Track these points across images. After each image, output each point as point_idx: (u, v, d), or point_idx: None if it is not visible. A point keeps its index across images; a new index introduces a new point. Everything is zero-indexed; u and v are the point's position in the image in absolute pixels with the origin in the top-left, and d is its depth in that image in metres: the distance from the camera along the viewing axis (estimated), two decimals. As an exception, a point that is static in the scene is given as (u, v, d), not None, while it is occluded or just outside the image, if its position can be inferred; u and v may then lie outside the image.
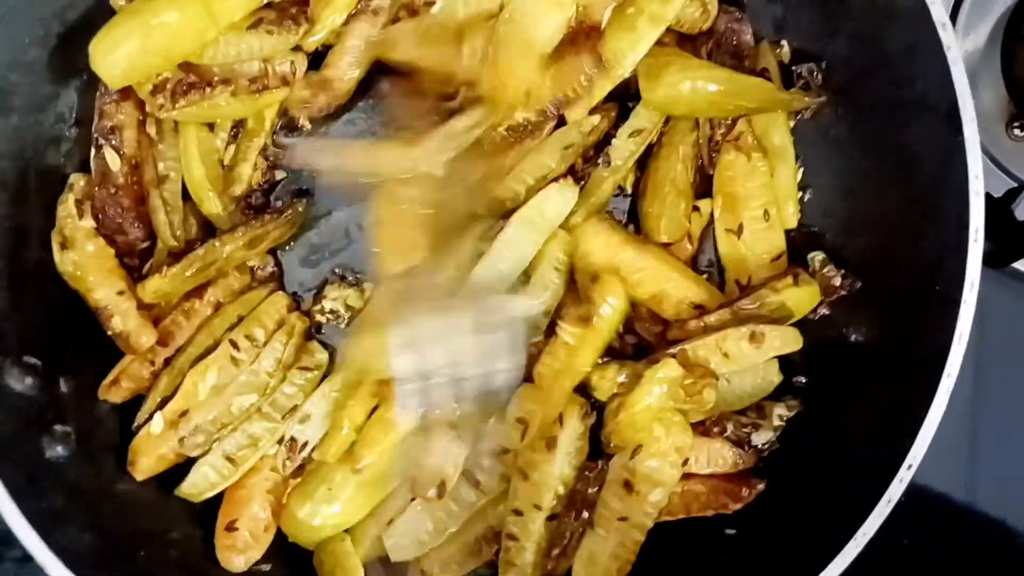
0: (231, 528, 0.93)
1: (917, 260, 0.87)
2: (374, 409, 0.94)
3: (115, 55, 0.89)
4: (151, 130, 0.96)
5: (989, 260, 1.07)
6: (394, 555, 0.93)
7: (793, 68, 1.00)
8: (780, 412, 0.96)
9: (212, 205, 0.98)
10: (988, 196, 1.07)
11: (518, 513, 0.91)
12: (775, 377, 0.97)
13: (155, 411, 0.94)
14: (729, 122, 0.99)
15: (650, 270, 0.97)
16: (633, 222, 1.04)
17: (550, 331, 0.96)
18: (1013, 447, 1.11)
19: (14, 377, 0.86)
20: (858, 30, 0.93)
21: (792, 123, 1.01)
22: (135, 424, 0.95)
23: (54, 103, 0.94)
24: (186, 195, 0.99)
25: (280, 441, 0.95)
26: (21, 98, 0.90)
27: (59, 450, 0.87)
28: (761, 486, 0.92)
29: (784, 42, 1.01)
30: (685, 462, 0.91)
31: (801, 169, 1.02)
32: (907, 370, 0.86)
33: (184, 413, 0.93)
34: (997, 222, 1.06)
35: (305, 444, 0.95)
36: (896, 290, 0.91)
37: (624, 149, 0.99)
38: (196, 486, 0.94)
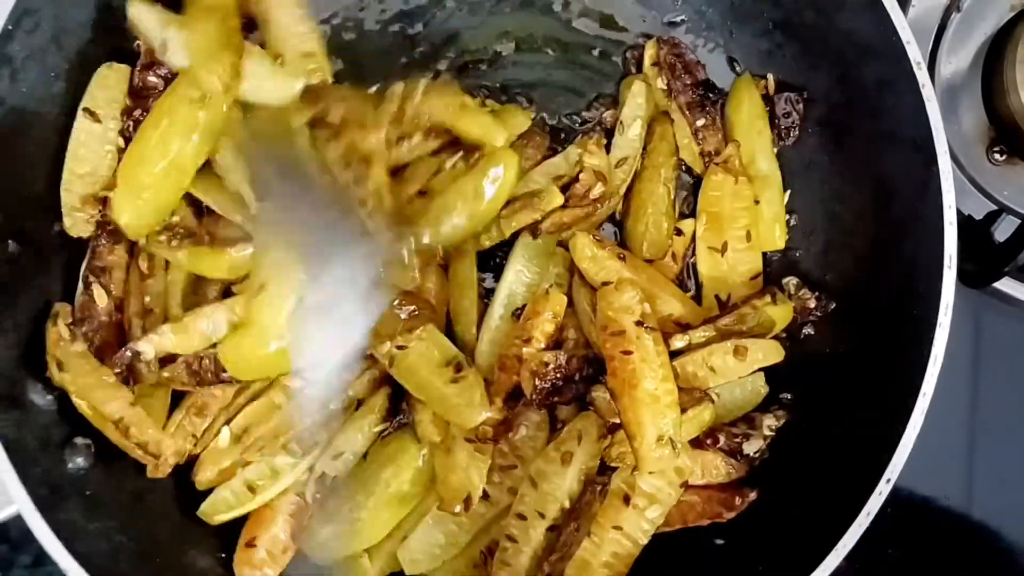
0: (251, 544, 0.95)
1: (895, 283, 0.92)
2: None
3: (131, 213, 0.93)
4: (143, 264, 0.97)
5: (970, 280, 1.11)
6: (409, 569, 0.95)
7: (775, 97, 1.04)
8: (769, 423, 0.99)
9: None
10: (969, 218, 1.12)
11: (522, 517, 0.93)
12: (762, 388, 1.01)
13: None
14: (717, 145, 1.04)
15: (640, 283, 0.98)
16: (622, 245, 1.07)
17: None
18: (1008, 458, 1.14)
19: (37, 393, 0.90)
20: (839, 66, 0.97)
21: (776, 150, 1.06)
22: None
23: (75, 132, 0.97)
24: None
25: (310, 470, 0.97)
26: (46, 129, 0.93)
27: (80, 461, 0.90)
28: (753, 495, 0.95)
29: (769, 75, 1.05)
30: (684, 484, 0.93)
31: (787, 193, 1.06)
32: (886, 388, 0.90)
33: (247, 429, 0.97)
34: (977, 243, 1.10)
35: (335, 478, 0.96)
36: (876, 312, 0.95)
37: (615, 178, 1.03)
38: (215, 508, 0.96)
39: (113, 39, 0.96)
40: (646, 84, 1.06)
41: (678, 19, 1.09)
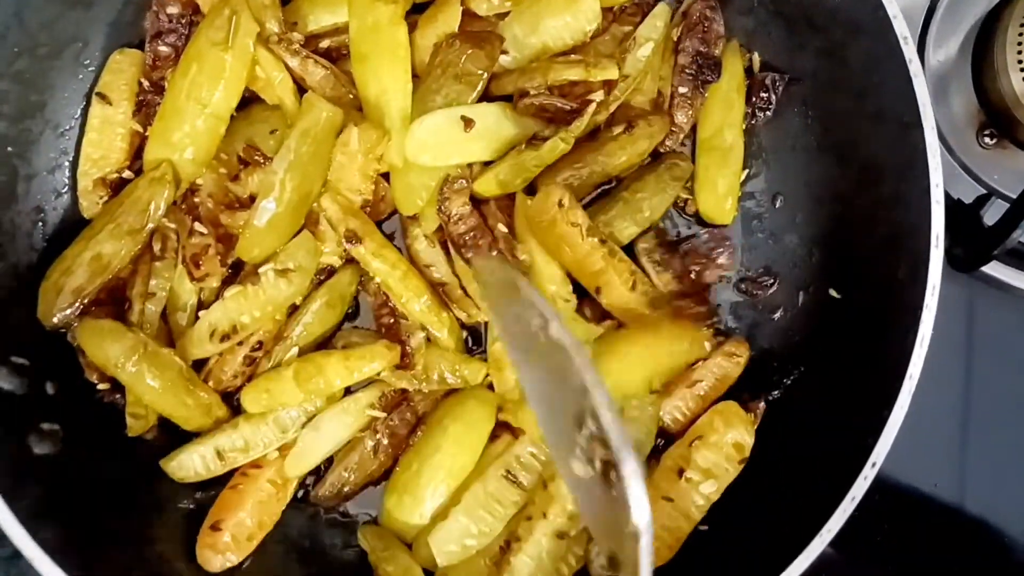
0: (216, 528, 0.93)
1: (882, 266, 0.90)
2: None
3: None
4: (156, 245, 0.96)
5: (959, 264, 1.10)
6: (441, 560, 0.92)
7: (759, 75, 1.03)
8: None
9: None
10: (959, 202, 1.11)
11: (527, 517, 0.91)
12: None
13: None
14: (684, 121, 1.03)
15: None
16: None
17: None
18: (999, 445, 1.13)
19: (3, 377, 0.88)
20: (824, 44, 0.96)
21: (746, 124, 1.04)
22: None
23: (42, 111, 0.96)
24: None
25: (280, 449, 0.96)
26: (10, 106, 0.92)
27: (46, 447, 0.88)
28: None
29: (755, 53, 1.04)
30: (744, 460, 0.91)
31: (746, 171, 1.04)
32: (873, 371, 0.88)
33: None
34: (967, 227, 1.09)
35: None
36: (863, 294, 0.93)
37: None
38: (182, 467, 0.95)
39: (76, 14, 0.94)
40: (669, 9, 1.04)
41: (662, -5, 1.08)
